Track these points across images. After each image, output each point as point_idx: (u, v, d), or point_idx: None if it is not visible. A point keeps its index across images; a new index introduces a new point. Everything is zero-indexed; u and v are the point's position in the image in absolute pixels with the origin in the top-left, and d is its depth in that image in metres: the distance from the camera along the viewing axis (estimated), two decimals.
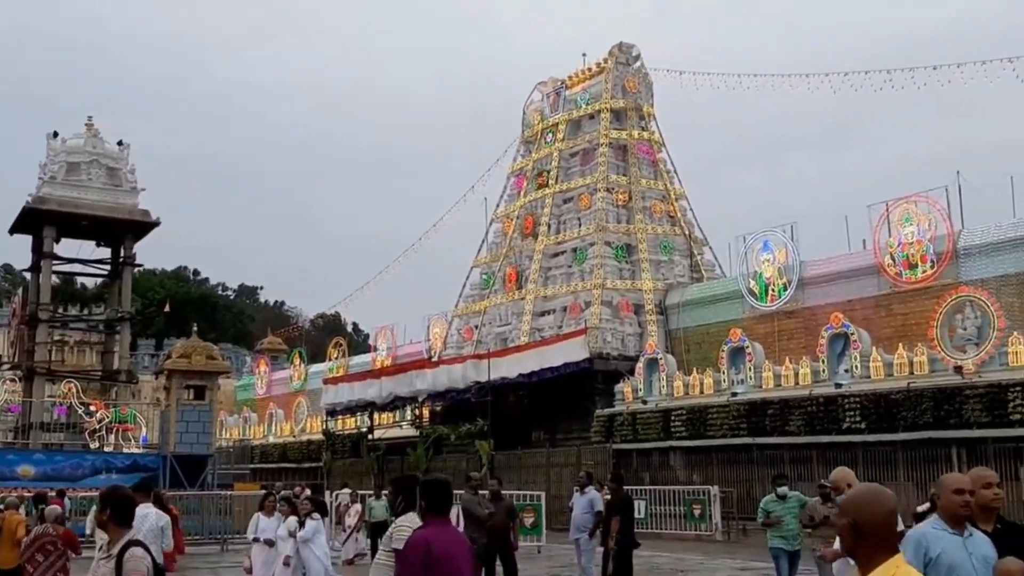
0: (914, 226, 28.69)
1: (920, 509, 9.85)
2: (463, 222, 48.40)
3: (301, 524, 11.88)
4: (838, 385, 26.23)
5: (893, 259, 29.09)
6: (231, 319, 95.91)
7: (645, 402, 31.77)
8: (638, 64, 42.32)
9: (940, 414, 22.89)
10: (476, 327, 41.96)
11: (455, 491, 7.15)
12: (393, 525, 6.91)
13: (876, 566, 2.86)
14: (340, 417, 45.49)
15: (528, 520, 23.00)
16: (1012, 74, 29.95)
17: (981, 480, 5.28)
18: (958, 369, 23.91)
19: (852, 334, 27.04)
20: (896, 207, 29.19)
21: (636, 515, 22.80)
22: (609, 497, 14.86)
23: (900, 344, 26.23)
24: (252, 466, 45.30)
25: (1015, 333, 23.69)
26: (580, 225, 39.51)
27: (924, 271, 28.36)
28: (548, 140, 42.94)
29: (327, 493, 25.68)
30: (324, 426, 45.64)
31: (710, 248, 40.53)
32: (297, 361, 56.27)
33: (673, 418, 29.71)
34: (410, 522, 6.48)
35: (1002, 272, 26.80)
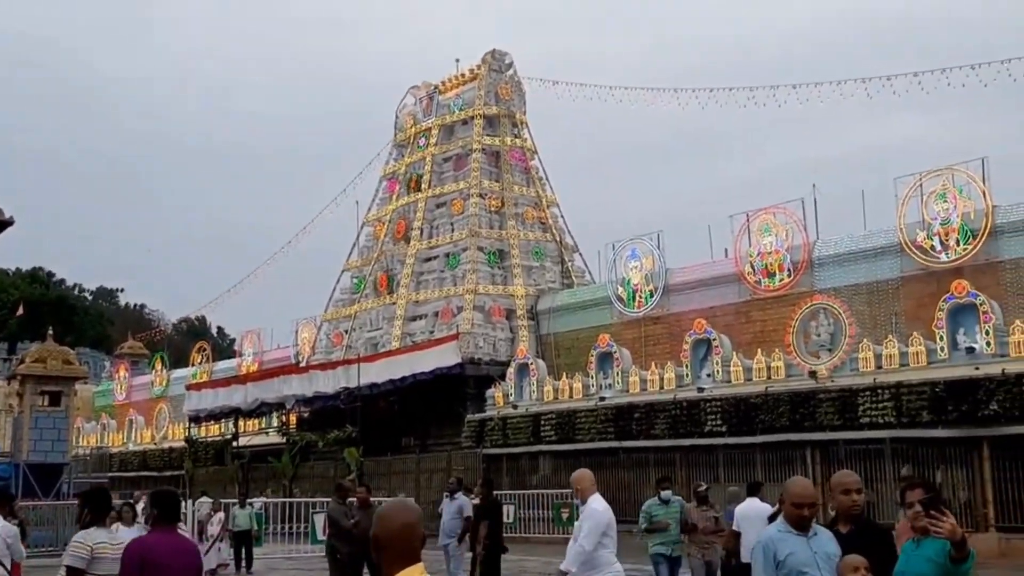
0: (773, 236, 29.82)
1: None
2: (335, 226, 48.00)
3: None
4: (700, 389, 27.01)
5: (753, 268, 30.15)
6: (89, 322, 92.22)
7: (516, 407, 32.04)
8: (511, 72, 42.70)
9: (796, 417, 23.82)
10: (346, 332, 41.53)
11: (327, 499, 7.04)
12: (72, 540, 6.63)
13: (395, 574, 3.14)
14: (204, 424, 44.27)
15: None
16: (864, 93, 31.50)
17: (840, 486, 5.50)
18: (812, 374, 24.94)
19: (714, 340, 27.89)
20: (756, 218, 30.27)
21: (505, 519, 22.99)
22: (478, 502, 14.94)
23: (759, 350, 27.20)
24: (111, 475, 43.62)
25: (865, 340, 24.86)
26: (453, 230, 39.58)
27: (781, 279, 29.49)
28: (421, 144, 42.89)
29: (187, 502, 24.99)
30: (187, 433, 44.39)
31: (580, 255, 41.21)
32: (159, 366, 54.56)
33: (543, 422, 30.04)
34: (85, 538, 6.38)
35: (854, 281, 28.09)
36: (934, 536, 4.95)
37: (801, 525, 5.13)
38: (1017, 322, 22.25)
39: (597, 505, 8.26)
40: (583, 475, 8.62)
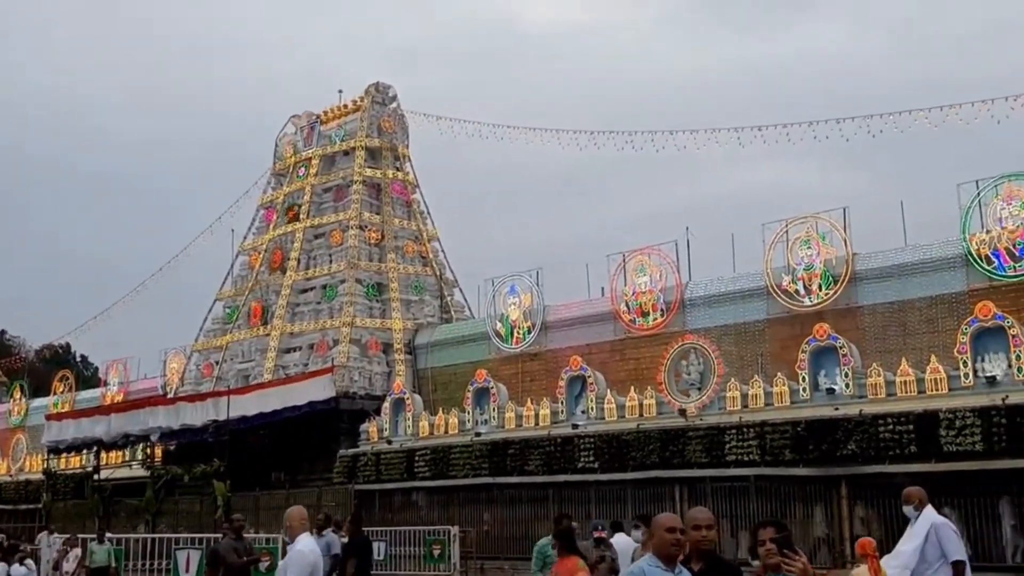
0: (647, 276, 30.52)
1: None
2: (209, 254, 46.77)
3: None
4: (575, 426, 27.29)
5: (628, 307, 30.76)
6: None
7: (390, 442, 31.74)
8: (395, 105, 42.73)
9: (666, 454, 24.29)
10: (217, 363, 40.47)
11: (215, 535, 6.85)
12: None
13: None
14: (64, 456, 42.35)
15: (264, 564, 22.29)
16: (737, 141, 32.66)
17: (691, 522, 5.68)
18: (682, 412, 25.51)
19: (589, 377, 28.27)
20: (632, 258, 30.96)
21: (376, 556, 22.65)
22: (346, 539, 14.72)
23: (632, 387, 27.68)
24: None
25: (732, 379, 25.58)
26: (331, 261, 39.16)
27: (655, 319, 30.16)
28: (301, 174, 42.40)
29: (42, 536, 23.85)
30: (45, 465, 42.39)
31: (460, 290, 41.29)
32: (17, 395, 52.06)
33: (417, 458, 29.83)
34: None
35: (723, 322, 28.93)
36: (786, 574, 5.14)
37: (671, 555, 5.26)
38: (874, 365, 23.26)
39: (302, 546, 7.89)
40: (292, 513, 8.16)
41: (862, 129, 29.21)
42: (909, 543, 8.41)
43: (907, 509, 8.65)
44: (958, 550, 8.37)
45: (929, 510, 8.59)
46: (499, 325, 34.18)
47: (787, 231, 27.69)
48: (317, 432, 33.70)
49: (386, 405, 32.94)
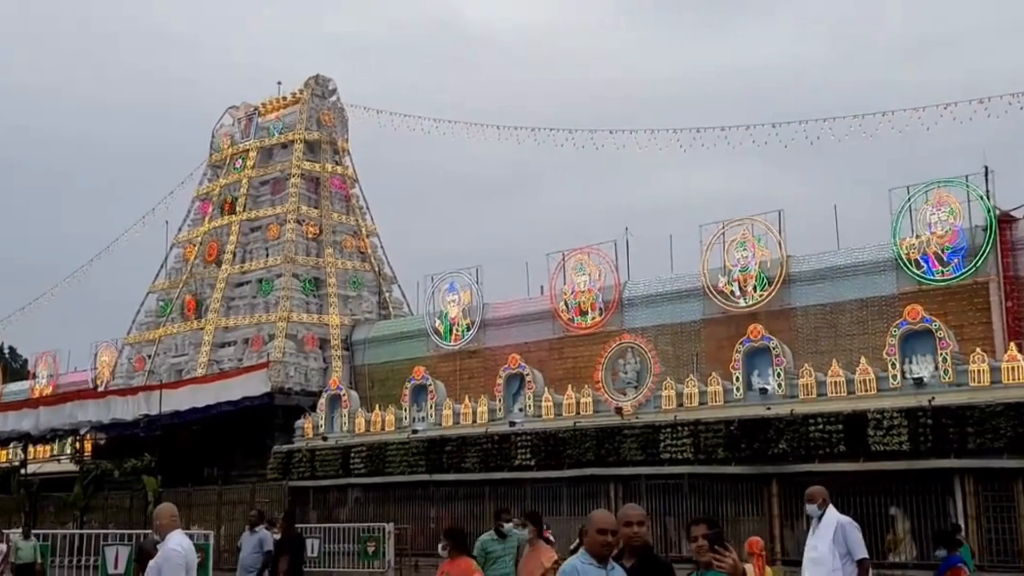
0: (586, 275, 30.72)
1: (572, 547, 10.52)
2: (142, 246, 45.94)
3: None
4: (512, 423, 27.34)
5: (567, 305, 30.93)
6: None
7: (325, 439, 31.49)
8: (334, 98, 42.40)
9: (601, 452, 24.45)
10: (149, 356, 39.80)
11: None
12: None
13: None
14: None
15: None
16: (677, 144, 33.00)
17: (623, 519, 5.74)
18: (618, 410, 25.70)
19: (527, 375, 28.35)
20: (571, 257, 31.13)
21: (310, 553, 22.48)
22: (279, 536, 14.59)
23: (570, 385, 27.81)
24: None
25: (668, 378, 25.83)
26: (268, 255, 38.74)
27: (593, 318, 30.37)
28: (238, 166, 41.86)
29: None
30: None
31: (399, 286, 41.13)
32: None
33: (353, 455, 29.65)
34: None
35: (660, 322, 29.23)
36: (717, 569, 5.22)
37: (603, 554, 5.30)
38: (806, 366, 23.66)
39: (175, 544, 7.47)
40: (162, 511, 7.79)
41: (799, 134, 29.76)
42: (821, 543, 8.55)
43: (810, 508, 8.76)
44: (862, 548, 8.56)
45: (831, 509, 8.76)
46: (438, 322, 34.12)
47: (724, 233, 28.08)
48: (251, 428, 33.33)
49: (322, 401, 32.67)
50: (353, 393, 32.97)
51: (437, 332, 34.05)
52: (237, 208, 40.41)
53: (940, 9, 75.61)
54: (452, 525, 10.51)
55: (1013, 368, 20.38)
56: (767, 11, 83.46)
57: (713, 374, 24.96)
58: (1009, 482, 19.25)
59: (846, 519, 8.67)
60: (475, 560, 10.18)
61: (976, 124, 26.90)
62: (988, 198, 24.28)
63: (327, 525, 27.51)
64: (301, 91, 41.64)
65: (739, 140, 31.18)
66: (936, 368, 21.51)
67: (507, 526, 11.25)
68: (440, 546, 9.70)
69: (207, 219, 41.39)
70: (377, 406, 31.70)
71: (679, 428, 23.43)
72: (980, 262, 24.01)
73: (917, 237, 24.97)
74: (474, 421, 28.65)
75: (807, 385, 23.13)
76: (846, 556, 8.48)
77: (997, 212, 24.19)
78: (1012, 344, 21.52)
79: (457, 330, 33.66)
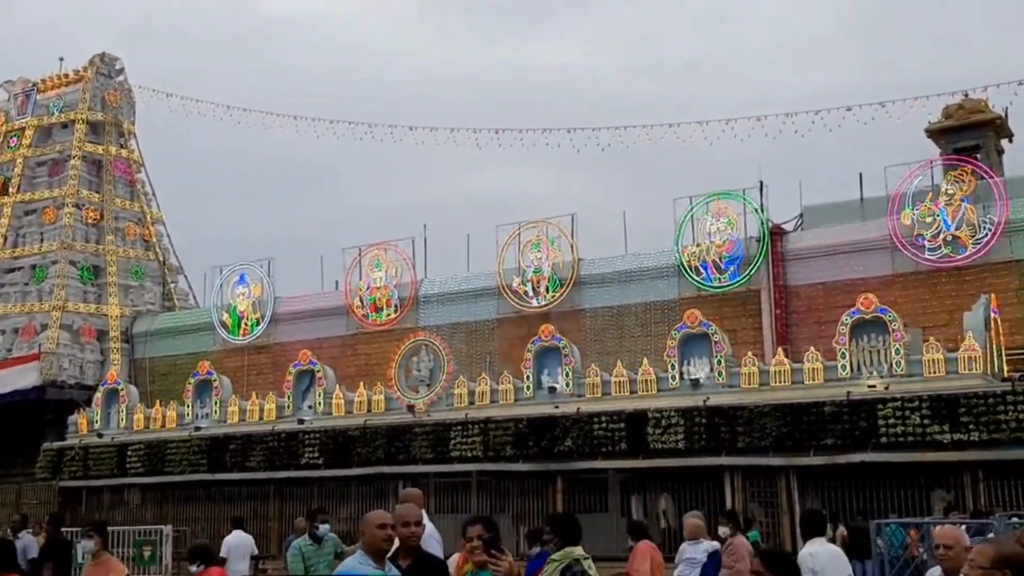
0: (382, 272, 30.56)
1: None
2: None
3: None
4: (301, 421, 26.83)
5: (362, 301, 30.65)
6: None
7: (101, 435, 29.84)
8: (121, 78, 40.24)
9: (392, 450, 24.36)
10: None
11: None
12: None
13: None
14: None
15: None
16: (475, 143, 33.32)
17: (400, 519, 5.73)
18: (410, 408, 25.69)
19: (318, 371, 27.87)
20: (368, 252, 30.88)
21: (78, 559, 21.22)
22: (44, 541, 13.72)
23: (362, 383, 27.56)
24: None
25: (461, 377, 26.04)
26: (42, 240, 36.37)
27: (388, 315, 30.24)
28: (12, 144, 39.04)
29: None
30: None
31: (185, 277, 39.49)
32: None
33: (130, 453, 28.24)
34: None
35: (454, 320, 29.44)
36: (492, 572, 5.28)
37: (383, 549, 5.28)
38: (593, 365, 24.41)
39: None
40: None
41: (591, 140, 30.65)
42: None
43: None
44: None
45: None
46: (226, 316, 33.07)
47: (519, 234, 28.60)
48: (19, 423, 31.26)
49: (98, 396, 30.93)
50: (132, 388, 31.40)
51: (224, 326, 33.00)
52: (10, 189, 37.69)
53: (729, 31, 79.86)
54: (199, 543, 9.80)
55: (780, 371, 21.77)
56: (570, 18, 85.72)
57: (505, 373, 25.34)
58: (774, 478, 20.55)
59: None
60: (295, 570, 9.47)
61: (754, 140, 28.61)
62: (762, 211, 25.84)
63: None
64: (85, 68, 39.28)
65: (534, 143, 31.83)
66: (711, 370, 22.67)
67: (322, 528, 10.31)
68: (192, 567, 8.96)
69: None
70: (158, 402, 30.32)
71: (470, 426, 23.66)
72: (753, 271, 25.50)
73: (698, 245, 26.26)
74: (261, 418, 27.92)
75: (593, 384, 23.85)
76: None
77: (770, 224, 25.76)
78: (780, 349, 22.98)
79: (246, 324, 32.72)
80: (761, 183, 26.02)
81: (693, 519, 10.98)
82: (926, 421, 18.93)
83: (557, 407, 23.46)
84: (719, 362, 22.53)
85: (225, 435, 27.28)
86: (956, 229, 23.45)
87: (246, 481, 26.49)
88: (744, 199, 26.06)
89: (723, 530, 10.98)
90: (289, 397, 27.99)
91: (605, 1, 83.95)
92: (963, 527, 13.31)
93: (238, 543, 14.40)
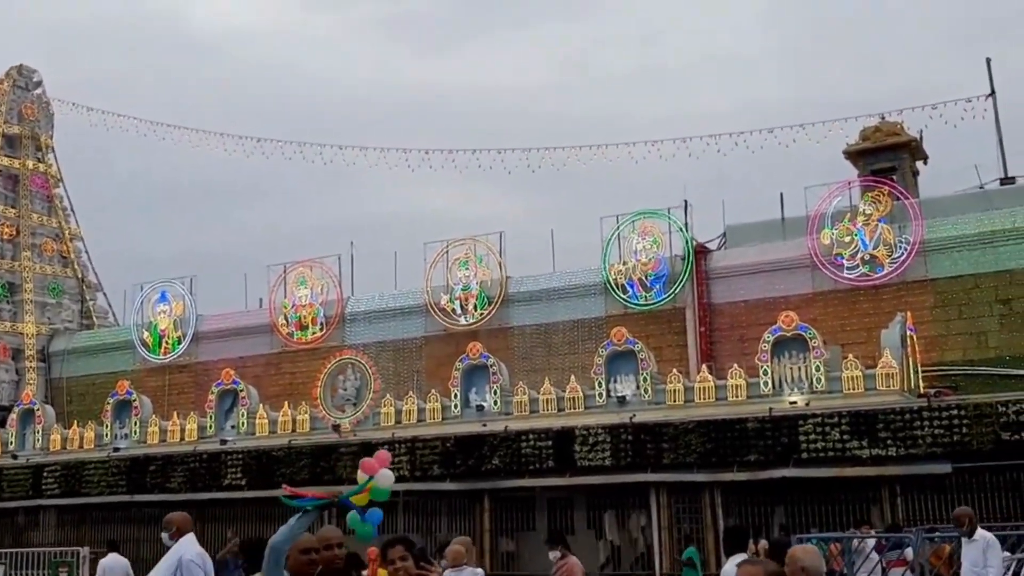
0: (308, 289, 30.22)
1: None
2: None
3: None
4: (223, 441, 26.35)
5: (287, 319, 30.27)
6: None
7: (16, 456, 28.95)
8: (39, 91, 39.32)
9: (316, 471, 24.00)
10: None
11: None
12: None
13: None
14: None
15: None
16: (406, 163, 33.22)
17: (322, 541, 5.63)
18: (336, 428, 25.39)
19: (241, 391, 27.43)
20: (293, 270, 30.53)
21: None
22: None
23: (287, 402, 27.18)
24: None
25: (388, 395, 25.85)
26: None
27: (314, 333, 29.90)
28: None
29: None
30: None
31: (104, 294, 38.61)
32: None
33: (46, 474, 27.39)
34: None
35: (382, 338, 29.24)
36: None
37: (309, 574, 5.19)
38: (521, 383, 24.43)
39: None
40: None
41: (522, 161, 30.80)
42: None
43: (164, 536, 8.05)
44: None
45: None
46: (146, 334, 32.39)
47: (447, 252, 28.55)
48: None
49: (12, 416, 30.01)
50: (48, 408, 30.54)
51: (145, 344, 32.31)
52: None
53: (657, 49, 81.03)
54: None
55: (704, 388, 22.03)
56: (499, 38, 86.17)
57: (432, 391, 25.23)
58: (698, 494, 20.72)
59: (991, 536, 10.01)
60: None
61: (680, 161, 29.04)
62: (687, 230, 26.20)
63: (14, 550, 25.30)
64: (1, 80, 38.28)
65: (466, 164, 31.87)
66: (638, 387, 22.84)
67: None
68: None
69: None
70: (75, 422, 29.52)
71: (396, 445, 23.43)
72: (678, 289, 25.82)
73: (624, 263, 26.51)
74: (182, 439, 27.35)
75: (521, 403, 23.86)
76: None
77: (695, 243, 26.13)
78: (704, 366, 23.28)
79: (167, 343, 32.08)
80: (686, 202, 26.42)
81: (456, 545, 9.69)
82: (845, 437, 19.29)
83: (485, 425, 23.39)
84: (645, 379, 22.71)
85: (145, 456, 26.64)
86: (874, 249, 24.05)
87: (167, 503, 25.83)
88: (669, 218, 26.41)
89: (553, 554, 10.62)
90: (211, 417, 27.48)
91: (534, 20, 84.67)
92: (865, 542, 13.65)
93: (112, 565, 15.06)
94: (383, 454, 5.88)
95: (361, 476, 5.61)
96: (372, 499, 5.53)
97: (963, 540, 10.48)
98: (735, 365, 22.24)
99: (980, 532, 10.26)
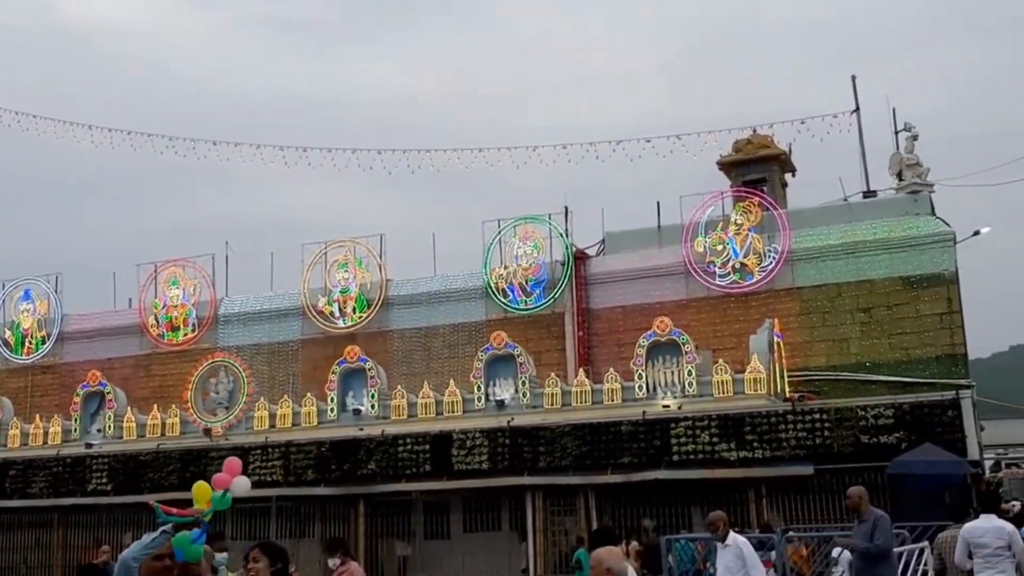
0: (180, 290, 29.38)
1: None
2: None
3: None
4: (89, 445, 25.43)
5: (157, 320, 29.37)
6: None
7: None
8: None
9: (186, 475, 23.28)
10: None
11: None
12: None
13: None
14: None
15: None
16: (282, 160, 32.49)
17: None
18: (207, 431, 24.78)
19: (108, 393, 26.56)
20: (164, 269, 29.64)
21: None
22: None
23: (156, 405, 26.39)
24: None
25: (262, 399, 25.35)
26: None
27: (185, 334, 29.09)
28: None
29: None
30: None
31: None
32: None
33: None
34: None
35: (256, 340, 28.62)
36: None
37: None
38: (399, 387, 24.29)
39: None
40: None
41: (402, 162, 30.53)
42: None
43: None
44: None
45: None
46: (8, 333, 31.00)
47: (326, 253, 28.16)
48: None
49: None
50: None
51: (7, 344, 30.90)
52: None
53: (546, 60, 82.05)
54: None
55: (581, 392, 22.34)
56: (389, 43, 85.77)
57: (309, 395, 24.87)
58: (573, 497, 20.99)
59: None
60: None
61: (561, 168, 29.28)
62: (567, 236, 26.50)
63: None
64: None
65: (345, 163, 31.38)
66: (516, 391, 23.01)
67: (219, 557, 9.65)
68: None
69: None
70: None
71: (270, 450, 23.06)
72: (558, 294, 26.08)
73: (505, 268, 26.63)
74: (45, 442, 26.33)
75: (399, 407, 23.74)
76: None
77: (574, 249, 26.45)
78: (581, 370, 23.60)
79: (30, 343, 30.74)
80: (566, 209, 26.69)
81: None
82: (715, 439, 19.84)
83: (361, 429, 23.21)
84: (523, 383, 22.89)
85: (5, 460, 25.55)
86: (744, 257, 24.77)
87: (28, 508, 24.86)
88: (550, 224, 26.65)
89: (332, 561, 10.56)
90: (76, 420, 26.50)
91: (424, 26, 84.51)
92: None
93: None
94: (232, 461, 5.94)
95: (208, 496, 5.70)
96: (216, 509, 5.62)
97: (717, 545, 10.50)
98: (611, 369, 22.61)
99: (732, 536, 10.28)
